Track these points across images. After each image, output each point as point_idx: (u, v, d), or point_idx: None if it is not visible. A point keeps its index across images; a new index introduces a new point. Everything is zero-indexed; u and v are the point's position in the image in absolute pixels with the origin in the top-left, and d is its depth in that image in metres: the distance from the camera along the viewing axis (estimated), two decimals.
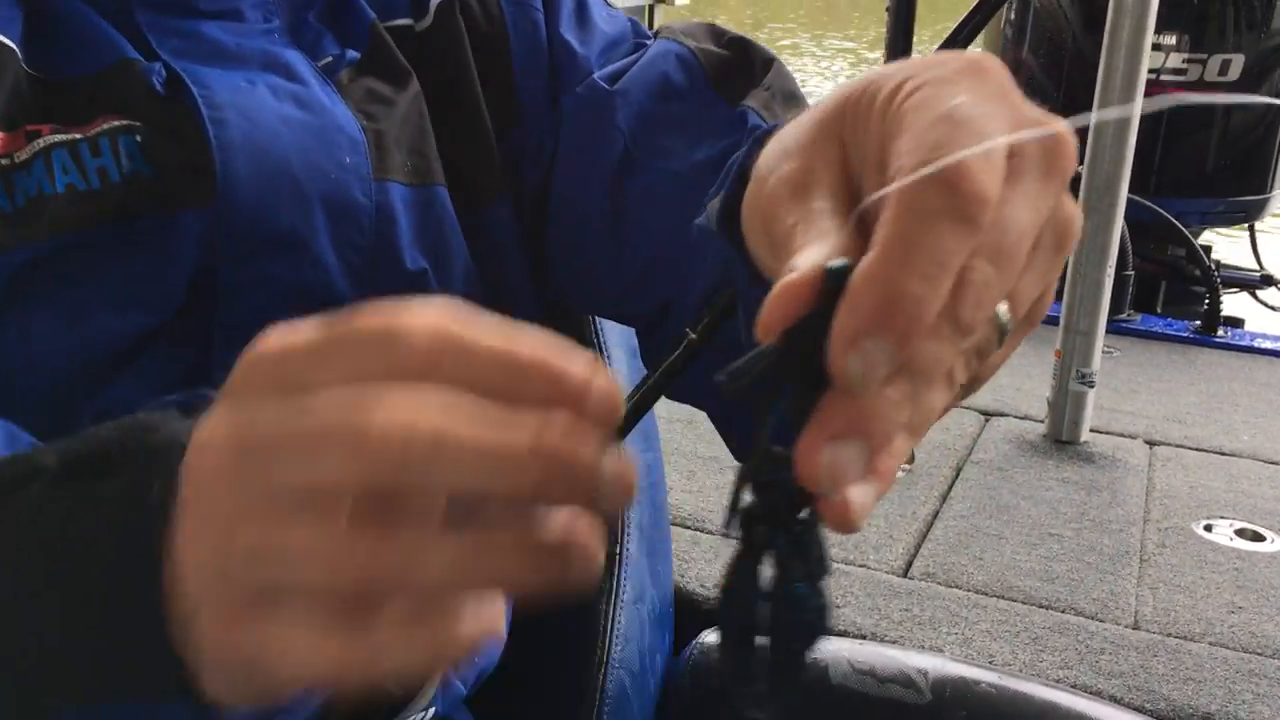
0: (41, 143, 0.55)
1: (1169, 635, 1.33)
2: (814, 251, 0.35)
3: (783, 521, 0.34)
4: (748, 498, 0.35)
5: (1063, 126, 0.37)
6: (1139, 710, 1.12)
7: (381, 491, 0.33)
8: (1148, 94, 2.04)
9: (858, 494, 0.34)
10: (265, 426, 0.34)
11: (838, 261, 0.34)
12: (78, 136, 0.56)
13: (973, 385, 0.39)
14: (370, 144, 0.64)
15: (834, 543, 1.64)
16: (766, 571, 0.35)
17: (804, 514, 0.35)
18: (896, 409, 0.34)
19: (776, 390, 0.34)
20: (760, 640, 0.35)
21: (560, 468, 0.32)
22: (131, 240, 0.57)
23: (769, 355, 0.33)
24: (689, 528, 1.51)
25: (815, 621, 0.35)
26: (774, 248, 0.39)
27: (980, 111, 0.35)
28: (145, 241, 0.57)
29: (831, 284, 0.33)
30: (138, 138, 0.58)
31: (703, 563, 1.38)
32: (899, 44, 3.14)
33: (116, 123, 0.57)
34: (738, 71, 0.72)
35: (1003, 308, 0.37)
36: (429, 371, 0.33)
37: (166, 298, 0.58)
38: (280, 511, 0.33)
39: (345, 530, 0.33)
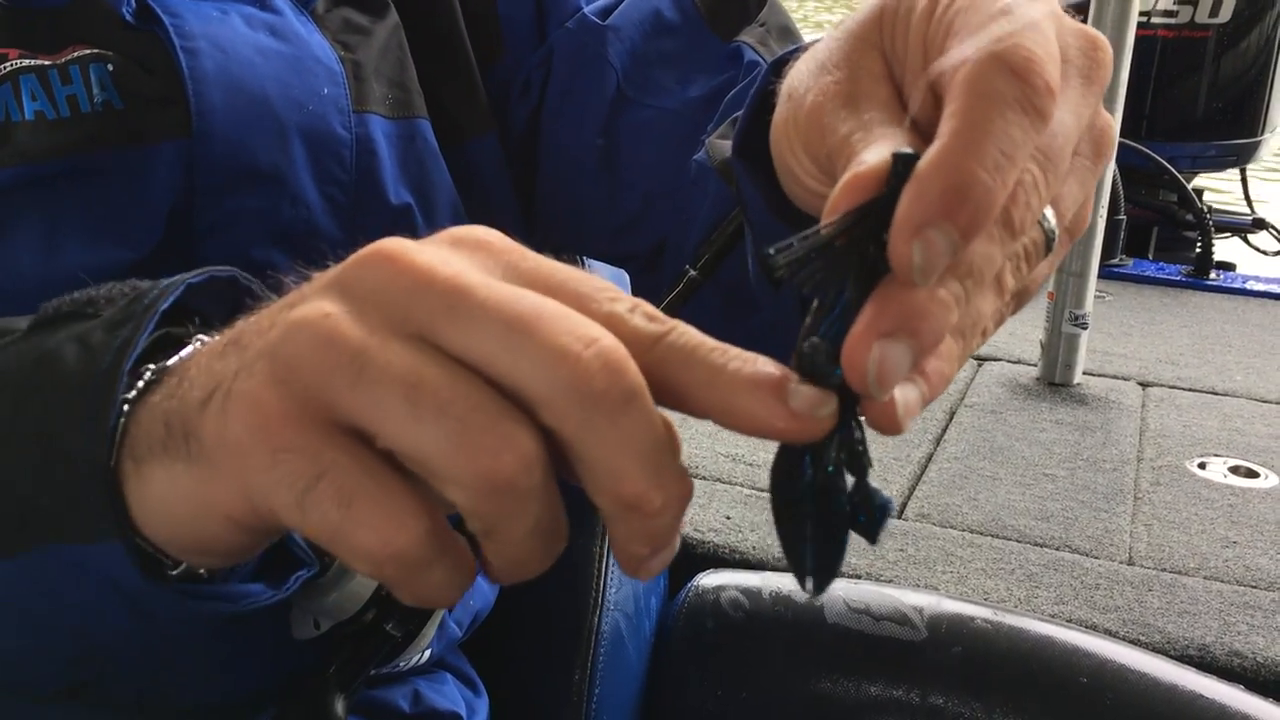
0: (9, 66, 0.54)
1: (1163, 570, 1.34)
2: (881, 148, 0.35)
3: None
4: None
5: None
6: (1134, 643, 1.12)
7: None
8: (1139, 37, 2.02)
9: (904, 395, 0.33)
10: (390, 361, 0.32)
11: (906, 150, 0.33)
12: (47, 63, 0.55)
13: (1022, 297, 0.39)
14: (348, 75, 0.63)
15: None
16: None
17: (846, 410, 0.34)
18: (947, 310, 0.33)
19: (832, 278, 0.32)
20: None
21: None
22: (105, 172, 0.56)
23: (823, 236, 0.32)
24: None
25: (866, 518, 0.34)
26: (824, 160, 0.39)
27: (1034, 9, 0.35)
28: (119, 173, 0.56)
29: (897, 172, 0.32)
30: (109, 67, 0.56)
31: (696, 508, 1.38)
32: None
33: (87, 51, 0.56)
34: (731, 6, 0.71)
35: (1049, 212, 0.37)
36: None
37: (143, 232, 0.57)
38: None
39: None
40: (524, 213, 0.75)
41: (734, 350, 0.33)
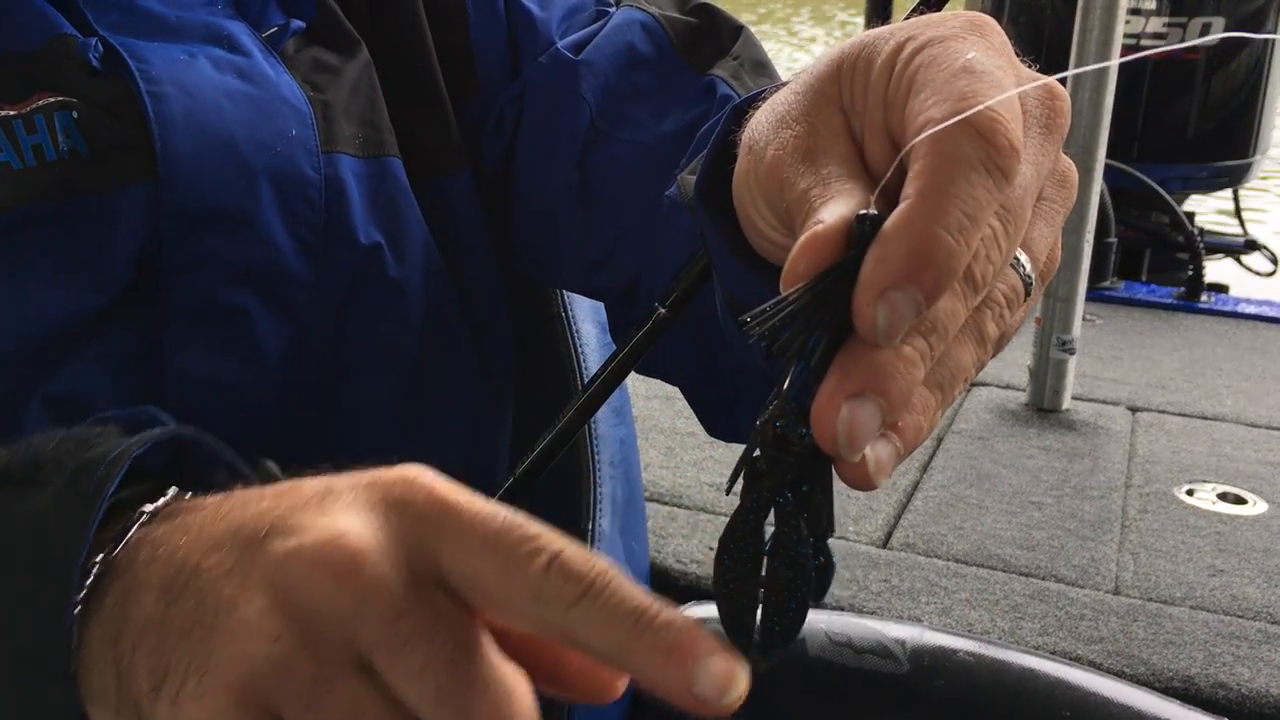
0: None
1: (1149, 600, 1.33)
2: (838, 206, 0.35)
3: (791, 478, 0.33)
4: (758, 452, 0.34)
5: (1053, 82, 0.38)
6: (1119, 675, 1.12)
7: None
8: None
9: (876, 453, 0.33)
10: (338, 704, 0.34)
11: (870, 211, 0.33)
12: (11, 113, 0.55)
13: (1000, 342, 0.39)
14: (317, 115, 0.63)
15: None
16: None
17: (815, 471, 0.34)
18: (913, 366, 0.33)
19: (797, 340, 0.33)
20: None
21: None
22: (72, 217, 0.56)
23: (793, 302, 0.33)
24: (666, 503, 1.50)
25: (816, 580, 0.34)
26: (783, 214, 0.39)
27: (995, 65, 0.35)
28: (86, 218, 0.56)
29: (861, 233, 0.33)
30: (74, 114, 0.56)
31: (680, 538, 1.37)
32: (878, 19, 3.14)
33: (52, 99, 0.56)
34: (705, 40, 0.71)
35: (1024, 258, 0.37)
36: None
37: (111, 276, 0.57)
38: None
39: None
40: (497, 249, 0.75)
41: (651, 610, 0.33)
